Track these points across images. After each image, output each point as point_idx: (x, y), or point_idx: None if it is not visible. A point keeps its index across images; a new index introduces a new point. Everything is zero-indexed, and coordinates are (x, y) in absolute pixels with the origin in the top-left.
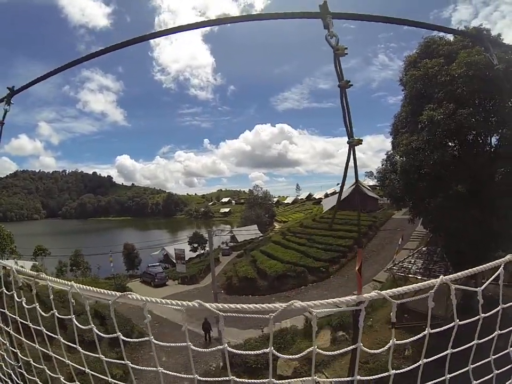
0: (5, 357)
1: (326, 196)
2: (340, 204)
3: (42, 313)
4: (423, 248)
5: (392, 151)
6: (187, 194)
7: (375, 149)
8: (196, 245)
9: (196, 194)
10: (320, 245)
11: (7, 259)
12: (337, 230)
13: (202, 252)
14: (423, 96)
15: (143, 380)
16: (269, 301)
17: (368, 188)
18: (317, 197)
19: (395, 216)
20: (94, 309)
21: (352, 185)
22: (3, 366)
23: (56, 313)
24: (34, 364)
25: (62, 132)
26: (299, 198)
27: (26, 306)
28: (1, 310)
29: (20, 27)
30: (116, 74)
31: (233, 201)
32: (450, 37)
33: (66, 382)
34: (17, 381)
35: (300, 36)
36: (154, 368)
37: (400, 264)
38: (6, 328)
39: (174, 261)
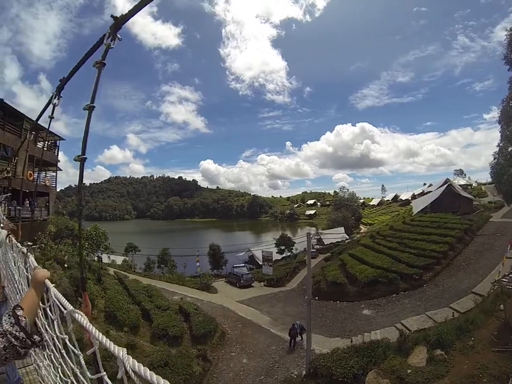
0: None
1: (414, 197)
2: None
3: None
4: None
5: (503, 143)
6: (272, 196)
7: (462, 144)
8: (283, 247)
9: (280, 196)
10: (413, 250)
11: (101, 254)
12: (430, 234)
13: (288, 254)
14: None
15: (221, 379)
16: (358, 307)
17: (460, 187)
18: (403, 198)
19: (493, 219)
20: (179, 305)
21: (443, 185)
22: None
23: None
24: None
25: (148, 141)
26: (385, 199)
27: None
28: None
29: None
30: (193, 86)
31: (318, 203)
32: None
33: None
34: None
35: (368, 28)
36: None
37: (510, 275)
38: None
39: (260, 262)
